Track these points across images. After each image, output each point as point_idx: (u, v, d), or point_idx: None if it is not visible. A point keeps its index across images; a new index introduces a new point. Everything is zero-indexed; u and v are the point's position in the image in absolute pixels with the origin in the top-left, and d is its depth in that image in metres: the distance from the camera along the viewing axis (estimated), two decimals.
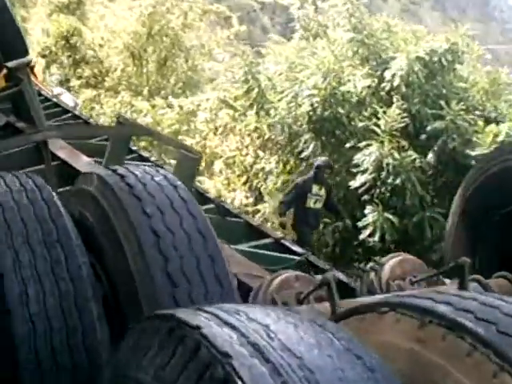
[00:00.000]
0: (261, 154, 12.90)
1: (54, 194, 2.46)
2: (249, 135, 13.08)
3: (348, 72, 11.74)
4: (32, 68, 8.02)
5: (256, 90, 12.03)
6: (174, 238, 2.39)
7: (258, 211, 12.26)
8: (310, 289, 3.10)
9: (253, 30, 38.92)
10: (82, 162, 6.20)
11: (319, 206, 10.28)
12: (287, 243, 6.21)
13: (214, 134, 13.54)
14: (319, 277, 3.53)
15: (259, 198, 12.89)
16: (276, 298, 3.11)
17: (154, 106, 15.92)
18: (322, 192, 10.26)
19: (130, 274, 2.35)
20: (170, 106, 15.65)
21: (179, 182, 2.62)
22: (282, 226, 10.18)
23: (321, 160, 10.49)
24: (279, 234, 6.64)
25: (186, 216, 2.49)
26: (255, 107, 12.16)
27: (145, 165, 6.71)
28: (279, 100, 11.98)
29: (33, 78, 12.62)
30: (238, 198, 12.83)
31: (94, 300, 2.27)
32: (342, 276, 5.59)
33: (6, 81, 8.00)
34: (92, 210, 2.56)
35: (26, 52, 9.77)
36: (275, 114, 12.03)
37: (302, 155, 11.69)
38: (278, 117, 11.90)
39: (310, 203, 10.13)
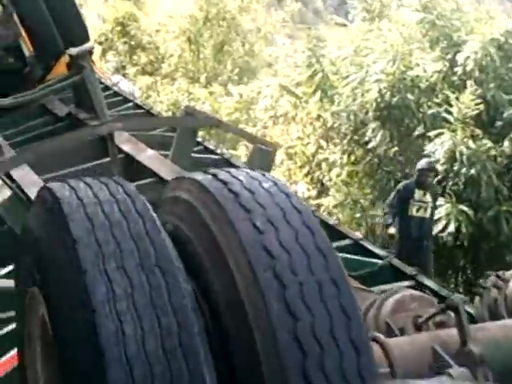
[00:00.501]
0: (323, 143, 12.42)
1: (148, 205, 2.05)
2: (311, 124, 12.61)
3: (417, 55, 11.18)
4: (91, 55, 7.70)
5: (320, 74, 11.55)
6: (290, 259, 1.98)
7: (321, 205, 11.81)
8: (430, 312, 2.67)
9: (305, 13, 38.27)
10: (148, 155, 5.85)
11: (424, 213, 9.25)
12: (367, 245, 5.77)
13: (275, 122, 13.11)
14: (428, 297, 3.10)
15: (322, 191, 12.43)
16: (390, 323, 2.68)
17: (211, 94, 15.57)
18: (427, 198, 9.27)
19: (238, 303, 1.94)
20: (228, 93, 15.28)
21: (290, 190, 2.21)
22: (391, 237, 9.27)
23: (423, 162, 9.51)
24: (358, 234, 6.19)
25: (302, 231, 2.07)
26: (319, 94, 11.68)
27: (232, 165, 6.33)
28: (344, 86, 11.47)
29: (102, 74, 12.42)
30: (299, 190, 12.38)
31: (200, 338, 1.86)
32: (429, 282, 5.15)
33: (68, 69, 7.72)
34: (189, 223, 2.16)
35: (87, 38, 9.49)
36: (339, 100, 11.54)
37: (369, 145, 11.18)
38: (343, 104, 11.41)
39: (413, 211, 9.16)
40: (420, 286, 4.97)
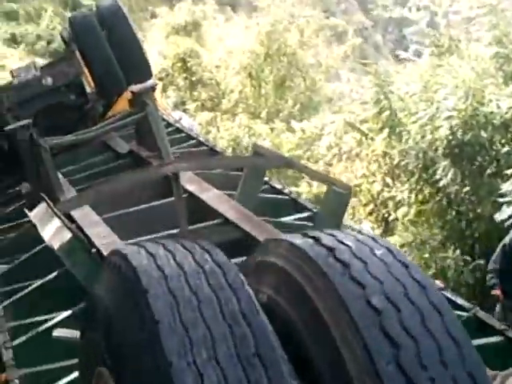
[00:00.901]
0: (389, 181, 11.99)
1: (242, 277, 1.70)
2: (376, 161, 12.20)
3: (490, 91, 10.70)
4: (154, 91, 7.49)
5: (388, 111, 11.18)
6: (417, 349, 1.60)
7: None
8: None
9: (365, 48, 37.89)
10: (213, 195, 5.54)
11: None
12: (450, 295, 5.30)
13: (338, 159, 12.74)
14: None
15: (387, 230, 11.96)
16: None
17: (272, 130, 15.33)
18: None
19: None
20: (290, 129, 14.99)
21: (409, 260, 1.84)
22: (499, 299, 8.14)
23: None
24: (438, 282, 5.74)
25: (429, 312, 1.69)
26: (386, 131, 11.30)
27: (302, 206, 5.97)
28: (413, 123, 11.05)
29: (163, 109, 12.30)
30: (364, 229, 11.94)
31: None
32: None
33: (130, 106, 7.53)
34: (287, 297, 1.80)
35: (149, 75, 9.37)
36: (407, 137, 11.12)
37: (439, 184, 10.70)
38: (411, 141, 10.98)
39: None
40: (510, 342, 4.53)
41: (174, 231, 4.70)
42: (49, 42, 50.06)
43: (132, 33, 8.73)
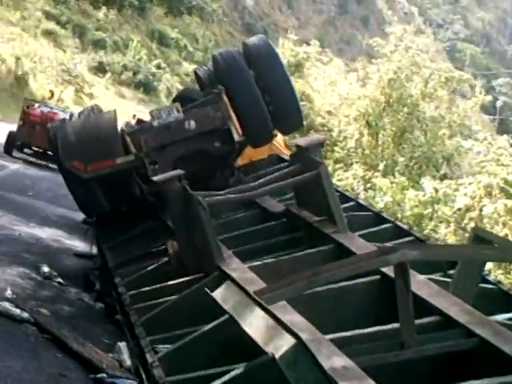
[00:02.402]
0: None
1: None
2: None
3: None
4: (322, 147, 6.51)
5: None
6: None
7: None
8: None
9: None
10: (427, 289, 4.48)
11: None
12: None
13: (476, 223, 11.50)
14: None
15: None
16: None
17: (393, 184, 14.19)
18: None
19: None
20: (414, 185, 13.84)
21: None
22: None
23: None
24: None
25: None
26: None
27: None
28: None
29: (284, 150, 11.37)
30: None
31: None
32: None
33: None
34: None
35: (300, 123, 8.45)
36: None
37: None
38: None
39: None
40: None
41: None
42: (135, 73, 50.63)
43: (284, 74, 7.84)
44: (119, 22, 50.66)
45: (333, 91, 19.37)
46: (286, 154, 9.69)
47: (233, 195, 6.15)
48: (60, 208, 12.60)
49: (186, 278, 6.01)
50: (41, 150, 18.82)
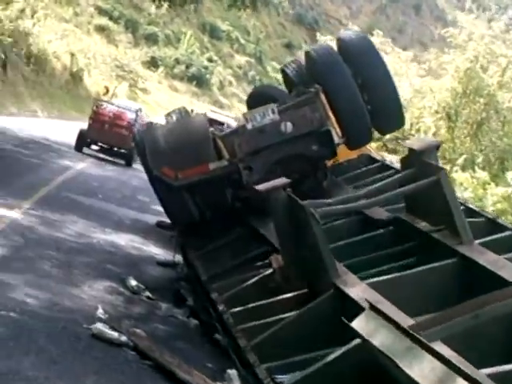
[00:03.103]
0: None
1: None
2: None
3: None
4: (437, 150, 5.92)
5: None
6: None
7: None
8: None
9: None
10: None
11: None
12: None
13: None
14: None
15: None
16: None
17: (473, 178, 13.44)
18: None
19: None
20: (495, 180, 13.08)
21: None
22: None
23: None
24: None
25: None
26: None
27: None
28: None
29: (373, 150, 10.73)
30: None
31: None
32: None
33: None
34: None
35: (401, 123, 7.86)
36: None
37: None
38: None
39: None
40: None
41: None
42: (187, 67, 50.36)
43: (385, 71, 7.25)
44: (170, 16, 50.40)
45: (399, 81, 18.58)
46: (376, 153, 9.11)
47: (342, 206, 5.59)
48: (131, 211, 12.25)
49: (292, 294, 5.55)
50: (106, 147, 19.57)
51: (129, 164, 19.58)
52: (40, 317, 5.47)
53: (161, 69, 47.29)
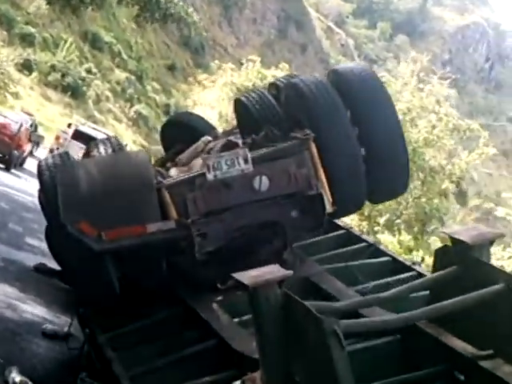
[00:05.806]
0: None
1: None
2: None
3: None
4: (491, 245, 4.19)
5: None
6: None
7: None
8: None
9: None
10: None
11: None
12: None
13: None
14: None
15: None
16: None
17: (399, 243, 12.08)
18: None
19: None
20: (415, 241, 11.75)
21: None
22: None
23: None
24: None
25: None
26: None
27: None
28: None
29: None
30: None
31: None
32: None
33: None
34: None
35: (404, 188, 6.09)
36: None
37: None
38: None
39: None
40: None
41: None
42: (63, 75, 46.88)
43: (394, 121, 5.48)
44: (50, 18, 47.02)
45: None
46: (356, 230, 7.31)
47: (370, 320, 3.74)
48: (0, 246, 9.77)
49: None
50: None
51: (7, 169, 20.04)
52: None
53: (34, 74, 43.68)
